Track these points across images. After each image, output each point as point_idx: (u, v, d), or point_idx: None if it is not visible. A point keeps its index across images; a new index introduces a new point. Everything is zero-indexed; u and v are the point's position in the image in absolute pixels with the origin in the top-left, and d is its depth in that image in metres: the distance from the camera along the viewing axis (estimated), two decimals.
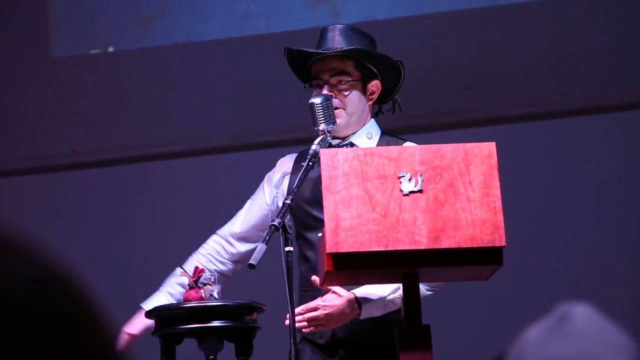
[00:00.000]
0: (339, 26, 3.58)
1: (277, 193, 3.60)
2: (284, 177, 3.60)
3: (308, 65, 3.56)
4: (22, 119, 5.97)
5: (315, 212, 3.45)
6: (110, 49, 6.00)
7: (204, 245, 3.74)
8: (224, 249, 3.69)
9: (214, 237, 3.73)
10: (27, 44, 5.98)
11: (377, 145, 3.51)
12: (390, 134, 3.61)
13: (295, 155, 3.65)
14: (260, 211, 3.63)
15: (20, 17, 6.02)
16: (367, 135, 3.55)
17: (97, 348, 0.82)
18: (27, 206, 5.71)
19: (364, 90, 3.53)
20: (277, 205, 3.55)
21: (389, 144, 3.48)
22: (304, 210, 3.47)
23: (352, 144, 3.52)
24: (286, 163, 3.63)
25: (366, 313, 3.35)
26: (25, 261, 0.82)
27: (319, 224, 3.37)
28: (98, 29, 5.98)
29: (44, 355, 0.78)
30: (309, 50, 3.52)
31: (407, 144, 3.46)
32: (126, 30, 5.97)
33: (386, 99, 3.60)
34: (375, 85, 3.54)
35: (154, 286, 4.69)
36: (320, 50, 3.51)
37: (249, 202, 3.70)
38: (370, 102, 3.56)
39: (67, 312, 0.81)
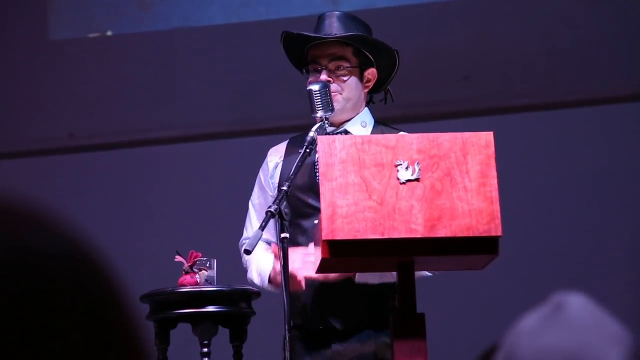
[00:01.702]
0: (337, 13, 3.58)
1: (272, 182, 3.59)
2: (277, 166, 3.59)
3: (305, 51, 3.55)
4: (20, 101, 5.96)
5: (309, 200, 3.44)
6: (109, 33, 5.99)
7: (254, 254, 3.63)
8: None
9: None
10: (26, 27, 5.97)
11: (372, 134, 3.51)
12: (384, 124, 3.61)
13: (285, 142, 3.64)
14: None
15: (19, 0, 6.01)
16: (362, 124, 3.55)
17: (118, 323, 0.83)
18: (23, 189, 5.71)
19: (360, 77, 3.53)
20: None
21: (383, 133, 3.47)
22: (297, 197, 3.47)
23: (346, 132, 3.51)
24: (277, 152, 3.62)
25: (361, 278, 3.36)
26: (54, 236, 0.83)
27: (313, 211, 3.36)
28: (97, 13, 5.97)
29: (68, 328, 0.79)
30: (310, 34, 3.51)
31: (401, 134, 3.45)
32: (125, 14, 5.96)
33: (379, 89, 3.61)
34: (371, 73, 3.55)
35: (152, 271, 4.69)
36: (322, 35, 3.50)
37: (252, 206, 3.65)
38: (366, 90, 3.57)
39: (91, 288, 0.82)
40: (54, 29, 5.99)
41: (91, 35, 5.98)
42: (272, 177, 3.60)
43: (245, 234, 3.64)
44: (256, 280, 3.51)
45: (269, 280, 3.45)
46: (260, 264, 3.47)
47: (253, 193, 3.66)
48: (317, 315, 3.45)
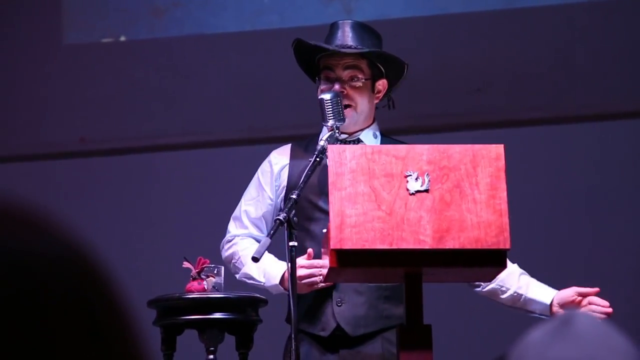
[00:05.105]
0: (350, 22, 3.59)
1: (277, 185, 3.59)
2: (283, 169, 3.59)
3: (316, 59, 3.55)
4: (32, 104, 5.97)
5: (320, 203, 3.44)
6: (123, 39, 6.00)
7: (239, 246, 3.64)
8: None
9: (241, 238, 3.64)
10: (40, 31, 5.98)
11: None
12: (389, 137, 3.62)
13: (288, 146, 3.64)
14: (266, 208, 3.61)
15: (35, 3, 6.02)
16: (374, 135, 3.57)
17: (114, 328, 0.83)
18: (33, 192, 5.72)
19: (372, 89, 3.54)
20: (282, 198, 3.54)
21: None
22: (309, 201, 3.46)
23: (359, 141, 3.52)
24: (283, 155, 3.62)
25: None
26: (47, 238, 0.83)
27: (323, 215, 3.36)
28: (111, 18, 5.99)
29: (61, 332, 0.79)
30: (328, 46, 3.51)
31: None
32: (139, 20, 5.97)
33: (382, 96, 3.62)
34: (382, 84, 3.56)
35: (159, 276, 4.69)
36: (340, 50, 3.49)
37: (250, 202, 3.64)
38: (377, 101, 3.58)
39: (86, 291, 0.82)
40: (68, 34, 6.01)
41: (104, 40, 6.00)
42: (276, 180, 3.59)
43: (232, 231, 3.63)
44: (258, 276, 3.49)
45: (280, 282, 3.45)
46: (268, 266, 3.46)
47: (246, 192, 3.65)
48: (324, 322, 3.45)
